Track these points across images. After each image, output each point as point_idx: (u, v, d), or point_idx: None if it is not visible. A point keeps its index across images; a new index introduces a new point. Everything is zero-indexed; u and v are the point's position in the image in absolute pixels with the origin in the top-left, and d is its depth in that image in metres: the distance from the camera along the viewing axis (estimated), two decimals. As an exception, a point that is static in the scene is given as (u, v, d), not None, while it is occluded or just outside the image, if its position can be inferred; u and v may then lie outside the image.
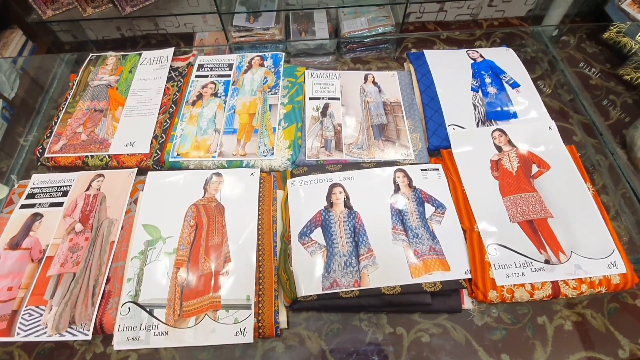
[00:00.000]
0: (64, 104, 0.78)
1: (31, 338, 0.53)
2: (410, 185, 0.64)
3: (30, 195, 0.67)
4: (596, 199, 0.63)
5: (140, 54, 0.86)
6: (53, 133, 0.74)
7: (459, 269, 0.57)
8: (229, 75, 0.81)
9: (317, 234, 0.60)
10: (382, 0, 1.90)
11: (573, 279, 0.56)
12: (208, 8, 1.89)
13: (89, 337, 0.53)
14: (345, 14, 1.91)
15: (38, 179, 0.69)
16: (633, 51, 1.06)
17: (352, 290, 0.55)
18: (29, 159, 0.76)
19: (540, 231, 0.60)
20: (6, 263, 0.59)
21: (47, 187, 0.67)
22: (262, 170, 0.68)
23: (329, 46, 1.89)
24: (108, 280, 0.58)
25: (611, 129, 0.81)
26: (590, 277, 0.56)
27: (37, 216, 0.64)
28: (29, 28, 1.79)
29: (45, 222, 0.64)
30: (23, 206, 0.65)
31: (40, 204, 0.65)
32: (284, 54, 0.84)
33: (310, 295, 0.55)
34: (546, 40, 1.01)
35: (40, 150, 0.72)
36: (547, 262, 0.57)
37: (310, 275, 0.56)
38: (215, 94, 0.78)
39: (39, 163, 0.72)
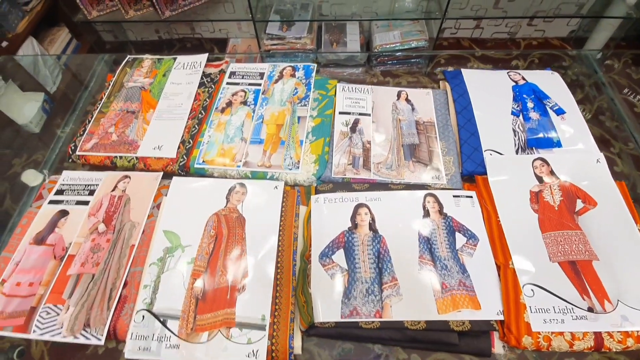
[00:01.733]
0: (99, 104, 0.80)
1: (46, 337, 0.53)
2: (440, 211, 0.61)
3: (59, 192, 0.68)
4: (649, 244, 0.57)
5: (175, 58, 0.87)
6: (86, 131, 0.75)
7: (490, 308, 0.53)
8: (259, 84, 0.80)
9: (339, 256, 0.57)
10: (416, 15, 1.88)
11: (619, 332, 0.50)
12: (243, 15, 1.93)
13: (102, 343, 0.53)
14: (378, 27, 1.89)
15: (68, 176, 0.70)
16: None
17: (373, 321, 0.51)
18: (62, 155, 0.77)
19: (583, 274, 0.55)
20: (30, 257, 0.60)
21: (76, 185, 0.68)
22: (285, 184, 0.66)
23: (360, 58, 1.88)
24: (125, 284, 0.57)
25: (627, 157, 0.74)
26: (638, 331, 0.50)
27: (63, 213, 0.65)
28: (74, 27, 1.89)
29: (71, 219, 0.64)
30: (51, 202, 0.67)
31: (67, 201, 0.66)
32: (315, 65, 0.82)
33: (328, 322, 0.52)
34: (594, 63, 0.95)
35: (73, 148, 0.73)
36: (590, 310, 0.52)
37: (329, 299, 0.53)
38: (244, 102, 0.77)
39: (70, 160, 0.73)
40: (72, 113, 0.84)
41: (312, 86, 0.78)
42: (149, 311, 0.54)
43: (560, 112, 0.72)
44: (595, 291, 0.53)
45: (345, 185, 0.65)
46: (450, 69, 0.88)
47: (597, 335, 0.51)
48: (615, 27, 1.76)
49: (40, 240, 0.62)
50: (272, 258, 0.58)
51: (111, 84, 0.83)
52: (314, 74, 0.80)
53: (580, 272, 0.55)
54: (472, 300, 0.53)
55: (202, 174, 0.69)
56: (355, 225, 0.60)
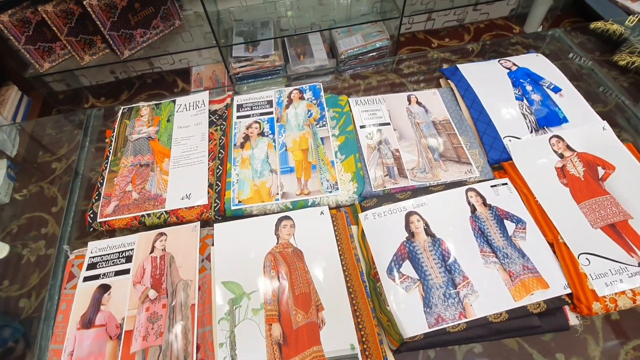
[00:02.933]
0: (106, 163, 0.75)
1: None
2: (485, 203, 0.64)
3: (92, 266, 0.63)
4: (668, 194, 0.63)
5: (174, 101, 0.83)
6: (101, 195, 0.70)
7: (557, 284, 0.56)
8: (271, 113, 0.79)
9: (407, 267, 0.58)
10: (373, 17, 1.95)
11: (670, 278, 0.56)
12: (203, 42, 1.89)
13: (192, 416, 0.49)
14: (339, 33, 1.93)
15: (95, 247, 0.65)
16: (624, 36, 1.10)
17: (459, 324, 0.53)
18: (76, 225, 0.72)
19: (624, 234, 0.60)
20: (83, 344, 0.55)
21: (108, 255, 0.63)
22: (329, 207, 0.66)
23: (329, 66, 1.91)
24: (198, 348, 0.54)
25: (613, 114, 0.81)
26: (685, 274, 0.56)
27: (105, 288, 0.60)
28: (22, 82, 1.75)
29: (115, 293, 0.60)
30: (86, 278, 0.61)
31: (104, 274, 0.61)
32: (321, 84, 0.83)
33: (417, 335, 0.53)
34: (567, 36, 1.03)
35: (92, 216, 0.68)
36: (640, 264, 0.57)
37: (411, 313, 0.54)
38: (262, 134, 0.76)
39: (91, 229, 0.68)
40: (74, 182, 0.78)
41: (324, 105, 0.79)
42: (234, 370, 0.52)
43: (556, 89, 0.78)
44: (639, 246, 0.58)
45: (389, 197, 0.66)
46: (444, 65, 0.92)
47: (653, 286, 0.55)
48: (551, 0, 1.94)
49: (88, 323, 0.57)
50: (341, 285, 0.57)
51: (113, 140, 0.78)
52: (322, 93, 0.81)
53: (621, 232, 0.60)
54: (540, 280, 0.56)
55: (240, 214, 0.67)
56: (412, 234, 0.61)
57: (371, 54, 1.91)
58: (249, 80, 1.87)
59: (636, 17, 1.19)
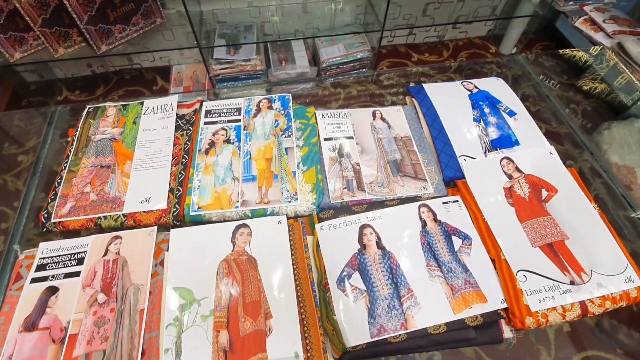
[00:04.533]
0: (66, 163, 0.74)
1: None
2: (435, 219, 0.67)
3: (41, 267, 0.62)
4: (602, 217, 0.68)
5: (142, 103, 0.83)
6: (58, 195, 0.69)
7: (495, 299, 0.59)
8: (238, 120, 0.80)
9: (356, 279, 0.60)
10: (355, 27, 1.99)
11: (598, 297, 0.60)
12: (185, 42, 1.88)
13: (131, 421, 0.49)
14: (322, 42, 1.96)
15: (47, 247, 0.64)
16: (588, 63, 1.18)
17: (400, 334, 0.55)
18: (30, 225, 0.70)
19: (560, 253, 0.64)
20: (24, 347, 0.54)
21: (59, 256, 0.63)
22: (287, 217, 0.68)
23: (310, 73, 1.93)
24: (143, 353, 0.54)
25: (576, 135, 0.88)
26: (612, 294, 0.60)
27: (52, 290, 0.59)
28: (-10, 71, 1.68)
29: (63, 295, 0.59)
30: (34, 280, 0.60)
31: (53, 276, 0.61)
32: (290, 95, 0.85)
33: (359, 345, 0.55)
34: (526, 62, 1.09)
35: (46, 215, 0.67)
36: (572, 283, 0.61)
37: (356, 323, 0.56)
38: (227, 141, 0.77)
39: (45, 229, 0.67)
40: (30, 180, 0.76)
41: (292, 116, 0.80)
42: (178, 375, 0.52)
43: (512, 113, 0.83)
44: (572, 266, 0.63)
45: (345, 209, 0.68)
46: (422, 79, 0.96)
47: (582, 304, 0.59)
48: (525, 24, 2.03)
49: (31, 325, 0.56)
50: (292, 294, 0.59)
51: (75, 139, 0.77)
52: (291, 104, 0.83)
53: (557, 251, 0.64)
54: (479, 295, 0.59)
55: (199, 220, 0.68)
56: (364, 246, 0.63)
57: (352, 64, 1.95)
58: (229, 83, 1.87)
59: (599, 48, 1.27)
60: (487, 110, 0.83)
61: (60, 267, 0.62)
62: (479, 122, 0.81)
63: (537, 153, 0.76)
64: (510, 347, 0.59)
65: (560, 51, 1.18)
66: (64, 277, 0.61)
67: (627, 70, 1.31)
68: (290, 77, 1.88)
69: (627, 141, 0.95)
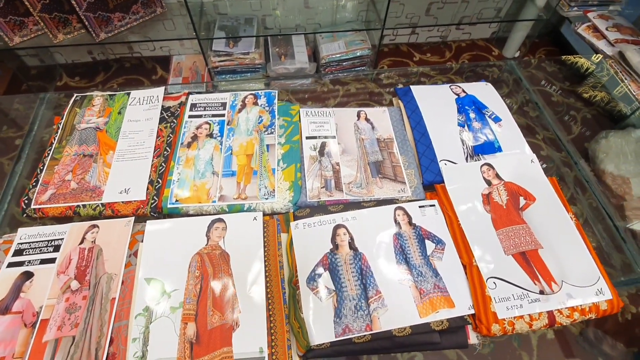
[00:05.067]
0: (49, 150, 0.75)
1: (29, 413, 0.50)
2: (410, 222, 0.67)
3: (18, 252, 0.63)
4: (579, 228, 0.68)
5: (128, 94, 0.84)
6: (39, 182, 0.70)
7: (462, 304, 0.60)
8: (223, 115, 0.81)
9: (326, 278, 0.61)
10: (357, 24, 1.98)
11: (566, 308, 0.60)
12: (185, 32, 1.88)
13: (95, 407, 0.51)
14: (323, 38, 1.95)
15: (25, 233, 0.65)
16: (590, 71, 1.17)
17: (365, 335, 0.56)
18: (12, 210, 0.71)
19: (532, 262, 0.64)
20: (-5, 330, 0.55)
21: (37, 242, 0.64)
22: (263, 214, 0.68)
23: (309, 69, 1.93)
24: (111, 341, 0.55)
25: (574, 142, 0.88)
26: (581, 305, 0.60)
27: (27, 275, 0.60)
28: (-9, 54, 1.70)
29: (37, 281, 0.60)
30: (10, 264, 0.62)
31: (29, 262, 0.62)
32: (277, 91, 0.85)
33: (324, 343, 0.55)
34: (515, 66, 1.08)
35: (26, 202, 0.68)
36: (541, 292, 0.61)
37: (321, 321, 0.57)
38: (210, 135, 0.77)
39: (25, 215, 0.68)
40: (15, 166, 0.77)
41: (276, 113, 0.81)
42: (143, 365, 0.53)
43: (497, 119, 0.82)
44: (544, 275, 0.63)
45: (322, 209, 0.68)
46: (400, 85, 0.96)
47: (550, 314, 0.60)
48: (529, 27, 2.01)
49: (4, 309, 0.57)
50: (261, 290, 0.60)
51: (60, 127, 0.78)
52: (276, 101, 0.83)
53: (529, 260, 0.64)
54: (447, 300, 0.60)
55: (176, 213, 0.69)
56: (336, 246, 0.64)
57: (352, 61, 1.94)
58: (227, 76, 1.87)
59: (600, 56, 1.26)
60: (472, 115, 0.83)
61: (37, 253, 0.63)
62: (464, 126, 0.81)
63: (518, 160, 0.76)
64: (476, 351, 0.59)
65: (563, 57, 1.16)
66: (40, 263, 0.62)
67: (627, 80, 1.29)
68: (289, 72, 1.88)
69: (624, 151, 0.94)
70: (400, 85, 0.95)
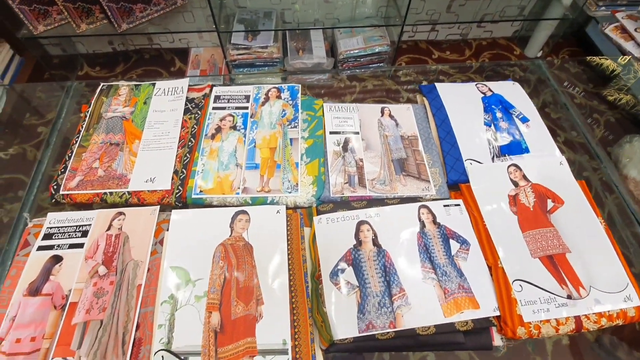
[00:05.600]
0: (77, 137, 0.76)
1: (59, 393, 0.51)
2: (434, 221, 0.66)
3: (48, 236, 0.64)
4: (608, 233, 0.66)
5: (153, 84, 0.84)
6: (68, 168, 0.71)
7: (487, 306, 0.59)
8: (246, 108, 0.81)
9: (349, 274, 0.61)
10: (376, 20, 1.95)
11: (593, 313, 0.59)
12: (204, 24, 1.89)
13: (121, 390, 0.52)
14: (341, 33, 1.94)
15: (54, 218, 0.66)
16: (615, 73, 1.14)
17: (388, 332, 0.56)
18: (41, 195, 0.73)
19: (560, 266, 0.63)
20: (27, 311, 0.57)
21: (65, 227, 0.65)
22: (286, 207, 0.68)
23: (327, 65, 1.92)
24: (138, 327, 0.56)
25: (590, 147, 0.85)
26: (608, 311, 0.59)
27: (57, 259, 0.62)
28: (16, 41, 1.73)
29: (66, 265, 0.61)
30: (40, 248, 0.63)
31: (59, 245, 0.63)
32: (300, 85, 0.85)
33: (347, 338, 0.55)
34: (542, 65, 1.05)
35: (55, 187, 0.69)
36: (569, 297, 0.60)
37: (345, 316, 0.57)
38: (234, 127, 0.78)
39: (53, 200, 0.69)
40: (46, 149, 0.79)
41: (299, 107, 0.80)
42: (169, 350, 0.54)
43: (524, 120, 0.81)
44: (571, 280, 0.62)
45: (345, 204, 0.68)
46: (424, 82, 0.94)
47: (577, 319, 0.59)
48: (553, 27, 1.96)
49: (35, 290, 0.59)
50: (284, 283, 0.60)
51: (88, 115, 0.79)
52: (299, 95, 0.83)
53: (557, 264, 0.63)
54: (472, 301, 0.59)
55: (200, 204, 0.69)
56: (359, 242, 0.63)
57: (370, 58, 1.92)
58: (244, 69, 1.87)
59: (628, 57, 1.22)
60: (499, 114, 0.81)
61: (66, 238, 0.64)
62: (490, 126, 0.79)
63: (546, 162, 0.74)
64: (500, 353, 0.58)
65: (588, 58, 1.13)
66: (69, 248, 0.63)
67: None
68: (306, 66, 1.87)
69: (649, 156, 0.91)
70: (425, 82, 0.94)
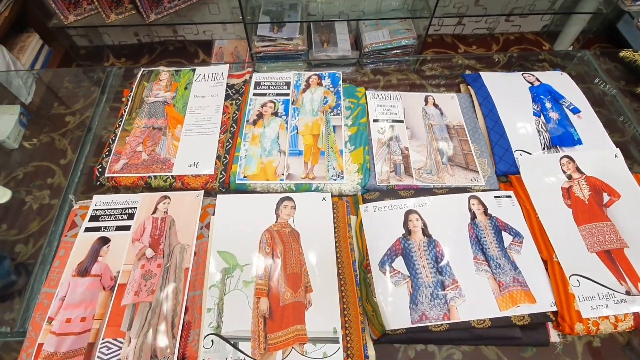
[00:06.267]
0: (120, 121, 0.76)
1: (111, 373, 0.51)
2: (486, 212, 0.64)
3: (94, 218, 0.64)
4: (668, 229, 0.63)
5: (193, 70, 0.84)
6: (112, 151, 0.71)
7: (544, 300, 0.57)
8: (287, 94, 0.80)
9: (399, 263, 0.59)
10: (402, 13, 1.92)
11: (655, 311, 0.56)
12: (229, 16, 1.88)
13: (173, 372, 0.51)
14: (366, 26, 1.91)
15: (100, 200, 0.66)
16: None
17: (442, 324, 0.54)
18: (84, 178, 0.73)
19: (618, 261, 0.60)
20: (77, 291, 0.57)
21: (111, 209, 0.65)
22: (331, 195, 0.67)
23: (351, 57, 1.89)
24: (186, 310, 0.56)
25: (629, 145, 0.80)
26: (671, 309, 0.56)
27: (104, 240, 0.62)
28: (46, 32, 1.76)
29: (114, 247, 0.61)
30: (88, 229, 0.63)
31: (105, 227, 0.63)
32: (341, 72, 0.83)
33: (399, 329, 0.54)
34: (592, 60, 1.01)
35: (100, 170, 0.69)
36: (627, 293, 0.57)
37: (397, 307, 0.55)
38: (275, 114, 0.77)
39: (98, 183, 0.69)
40: (87, 133, 0.79)
41: (341, 94, 0.79)
42: (218, 335, 0.53)
43: (575, 110, 0.77)
44: (630, 276, 0.59)
45: (391, 193, 0.66)
46: (467, 72, 0.91)
47: (636, 315, 0.56)
48: (585, 22, 1.89)
49: (84, 271, 0.59)
50: (333, 270, 0.59)
51: (130, 100, 0.79)
52: (341, 82, 0.81)
53: (615, 259, 0.60)
54: (528, 295, 0.57)
55: (243, 189, 0.68)
56: (409, 232, 0.62)
57: (395, 51, 1.89)
58: (269, 61, 1.86)
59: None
60: (548, 105, 0.78)
61: (112, 220, 0.64)
62: (539, 116, 0.77)
63: (601, 155, 0.71)
64: (557, 350, 0.56)
65: (621, 53, 1.08)
66: (115, 230, 0.63)
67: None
68: (330, 59, 1.85)
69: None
70: (469, 71, 0.91)
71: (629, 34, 1.96)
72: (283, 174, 0.68)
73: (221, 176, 0.69)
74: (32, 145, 0.82)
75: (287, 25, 1.81)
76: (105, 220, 0.64)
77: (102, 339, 0.53)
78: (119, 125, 0.75)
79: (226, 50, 2.05)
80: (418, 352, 0.56)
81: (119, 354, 0.52)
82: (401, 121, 0.76)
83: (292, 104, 0.78)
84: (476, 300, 0.56)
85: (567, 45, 2.04)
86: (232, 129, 0.75)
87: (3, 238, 0.67)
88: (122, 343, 0.53)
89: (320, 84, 0.81)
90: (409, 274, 0.58)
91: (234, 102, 0.79)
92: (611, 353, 0.59)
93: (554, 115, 0.77)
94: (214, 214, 0.64)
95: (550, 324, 0.57)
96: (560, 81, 0.83)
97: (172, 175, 0.68)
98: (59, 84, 0.98)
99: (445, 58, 1.11)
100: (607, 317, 0.56)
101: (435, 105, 0.79)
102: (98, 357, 0.52)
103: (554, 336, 0.56)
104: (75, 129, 0.82)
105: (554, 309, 0.56)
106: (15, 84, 1.10)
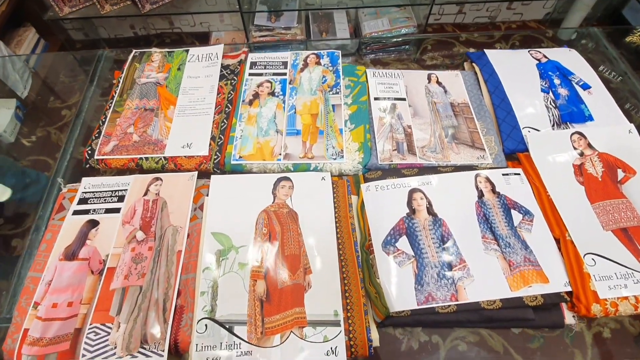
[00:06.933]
0: (110, 103, 0.73)
1: (99, 360, 0.48)
2: (493, 190, 0.61)
3: (83, 201, 0.61)
4: (688, 206, 0.60)
5: (187, 51, 0.81)
6: (102, 133, 0.68)
7: (557, 280, 0.53)
8: (284, 74, 0.77)
9: (403, 243, 0.56)
10: (403, 1, 1.88)
11: (677, 291, 0.53)
12: (226, 6, 1.85)
13: (164, 358, 0.48)
14: (365, 15, 1.88)
15: (89, 183, 0.63)
16: None
17: (450, 305, 0.51)
18: (74, 161, 0.70)
19: (636, 240, 0.57)
20: (63, 275, 0.54)
21: (101, 192, 0.62)
22: (330, 174, 0.64)
23: (350, 47, 1.86)
24: (179, 293, 0.53)
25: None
26: (694, 289, 0.53)
27: (93, 223, 0.59)
28: (42, 26, 1.73)
29: (103, 229, 0.58)
30: (76, 212, 0.60)
31: (94, 210, 0.60)
32: (340, 52, 0.80)
33: (404, 311, 0.51)
34: (604, 41, 0.97)
35: (89, 152, 0.66)
36: (648, 272, 0.54)
37: (401, 288, 0.52)
38: (272, 93, 0.73)
39: (87, 165, 0.67)
40: (77, 116, 0.76)
41: (340, 73, 0.75)
42: (213, 319, 0.50)
43: (585, 86, 0.74)
44: (649, 255, 0.55)
45: (394, 172, 0.63)
46: (471, 53, 0.88)
47: (658, 297, 0.53)
48: (589, 7, 1.85)
49: (71, 255, 0.56)
50: (333, 252, 0.55)
51: (120, 81, 0.76)
52: (340, 61, 0.78)
53: (632, 237, 0.57)
54: (540, 274, 0.53)
55: (239, 170, 0.65)
56: (413, 211, 0.59)
57: (395, 40, 1.85)
58: (265, 52, 1.83)
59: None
60: (557, 81, 0.75)
61: (101, 202, 0.61)
62: (548, 93, 0.73)
63: (614, 131, 0.68)
64: (571, 333, 0.53)
65: (627, 38, 1.04)
66: (105, 212, 0.60)
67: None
68: (329, 49, 1.82)
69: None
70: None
71: (634, 20, 1.92)
72: (280, 154, 0.65)
73: (216, 157, 0.65)
74: (28, 138, 0.79)
75: (285, 14, 1.77)
76: (94, 203, 0.61)
77: (90, 324, 0.50)
78: (110, 107, 0.72)
79: (223, 42, 2.01)
80: (422, 343, 0.53)
81: (107, 340, 0.49)
82: (403, 99, 0.72)
83: (290, 83, 0.75)
84: (485, 281, 0.53)
85: (570, 32, 2.00)
86: (227, 109, 0.71)
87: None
88: (110, 328, 0.50)
89: (318, 63, 0.78)
90: (413, 254, 0.55)
91: (229, 82, 0.76)
92: (621, 344, 0.55)
93: (563, 91, 0.73)
94: (207, 195, 0.61)
95: (564, 305, 0.53)
96: (568, 57, 0.80)
97: (164, 157, 0.65)
98: (55, 80, 0.95)
99: (446, 40, 1.08)
100: (626, 298, 0.53)
101: (438, 83, 0.76)
102: (85, 342, 0.49)
103: (569, 318, 0.53)
104: (71, 122, 0.79)
105: (569, 289, 0.53)
106: (11, 78, 1.08)
